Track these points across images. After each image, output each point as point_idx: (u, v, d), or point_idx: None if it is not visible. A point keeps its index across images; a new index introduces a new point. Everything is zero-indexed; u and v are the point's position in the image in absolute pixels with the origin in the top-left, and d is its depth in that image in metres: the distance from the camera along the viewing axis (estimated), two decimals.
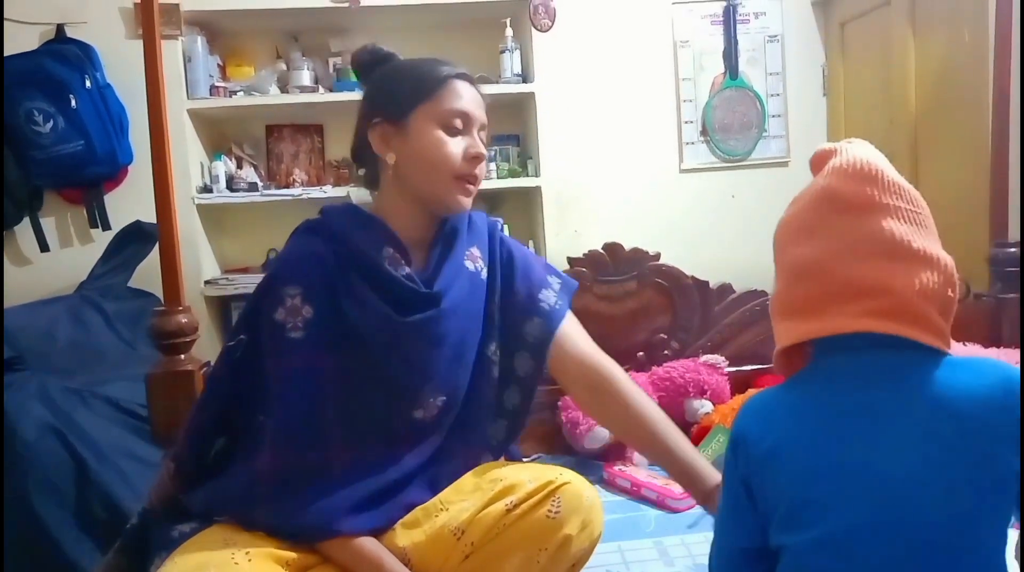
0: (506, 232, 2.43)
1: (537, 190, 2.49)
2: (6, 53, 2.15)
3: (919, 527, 0.67)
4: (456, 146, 1.07)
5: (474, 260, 1.14)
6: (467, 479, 1.14)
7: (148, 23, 1.50)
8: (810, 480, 0.71)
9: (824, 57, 2.54)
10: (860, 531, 0.68)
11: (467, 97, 1.09)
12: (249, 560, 0.95)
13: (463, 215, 1.16)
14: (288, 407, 1.03)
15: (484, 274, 1.15)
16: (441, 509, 1.10)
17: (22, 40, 2.19)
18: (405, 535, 1.07)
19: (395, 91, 1.10)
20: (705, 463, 1.13)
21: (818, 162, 0.81)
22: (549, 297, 1.17)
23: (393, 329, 1.04)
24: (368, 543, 1.02)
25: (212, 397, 1.11)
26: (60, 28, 2.21)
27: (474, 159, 1.08)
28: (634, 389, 1.17)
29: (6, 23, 2.19)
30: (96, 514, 1.73)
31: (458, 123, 1.07)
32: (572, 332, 1.18)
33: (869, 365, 0.73)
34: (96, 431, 1.79)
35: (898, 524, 0.67)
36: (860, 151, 0.77)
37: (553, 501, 1.04)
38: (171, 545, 1.02)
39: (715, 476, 1.09)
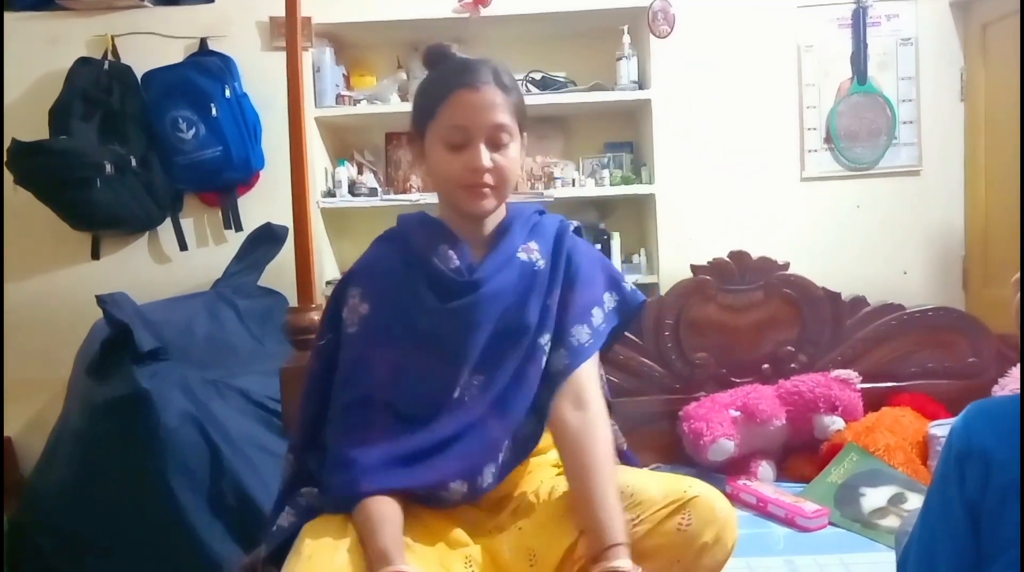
0: (617, 241, 2.47)
1: (651, 197, 2.46)
2: (156, 65, 2.31)
3: None
4: (455, 162, 1.11)
5: (529, 252, 1.18)
6: None
7: (292, 38, 1.58)
8: None
9: (963, 60, 2.40)
10: None
11: (467, 108, 1.10)
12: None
13: (527, 213, 1.22)
14: (344, 392, 1.12)
15: (541, 265, 1.17)
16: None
17: (169, 53, 2.35)
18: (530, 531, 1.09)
19: (416, 108, 1.17)
20: (615, 523, 1.01)
21: None
22: (597, 316, 1.18)
23: (436, 315, 1.12)
24: (373, 504, 1.02)
25: (313, 391, 1.20)
26: (203, 42, 2.35)
27: (473, 172, 1.10)
28: (601, 434, 1.10)
29: (156, 38, 2.36)
30: (227, 500, 1.82)
31: (457, 138, 1.11)
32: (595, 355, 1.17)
33: None
34: (229, 421, 1.88)
35: None
36: None
37: (684, 515, 1.03)
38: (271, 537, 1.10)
39: (615, 537, 0.99)
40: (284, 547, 1.05)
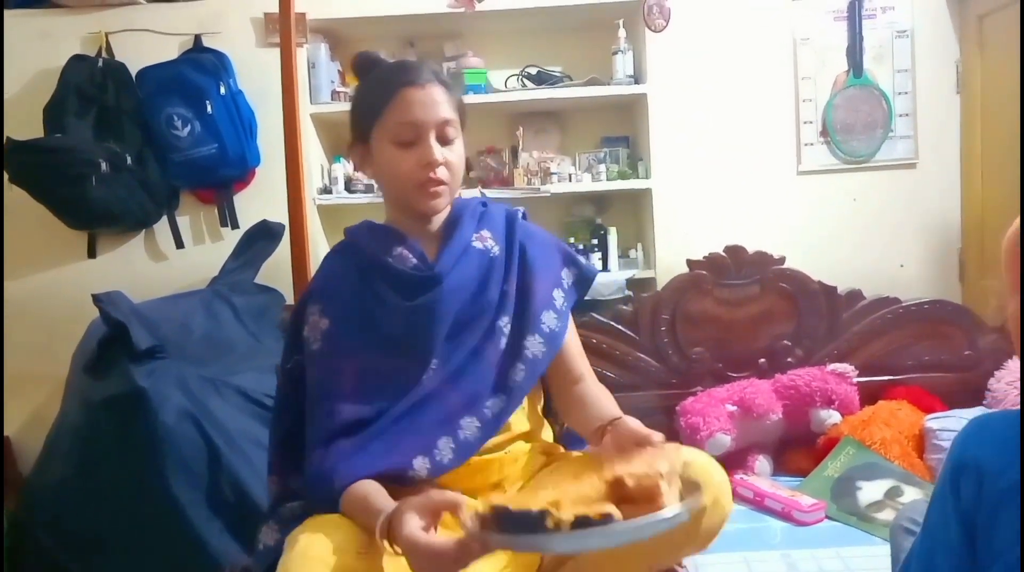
0: (614, 236, 2.47)
1: (647, 192, 2.45)
2: (150, 62, 2.30)
3: None
4: (408, 159, 1.11)
5: (483, 240, 1.20)
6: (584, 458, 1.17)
7: (286, 34, 1.58)
8: None
9: (959, 52, 2.40)
10: None
11: (415, 104, 1.11)
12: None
13: (471, 205, 1.23)
14: (316, 409, 1.12)
15: (496, 252, 1.20)
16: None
17: (163, 50, 2.34)
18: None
19: (357, 112, 1.18)
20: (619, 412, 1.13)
21: None
22: (559, 298, 1.21)
23: (402, 313, 1.13)
24: (353, 489, 1.01)
25: (283, 413, 1.21)
26: (197, 38, 2.34)
27: (427, 166, 1.11)
28: (604, 391, 1.21)
29: (149, 35, 2.35)
30: (226, 497, 1.82)
31: (408, 135, 1.11)
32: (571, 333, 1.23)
33: None
34: (227, 419, 1.88)
35: None
36: None
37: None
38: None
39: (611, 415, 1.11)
40: (272, 567, 1.04)
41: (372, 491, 1.01)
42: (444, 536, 0.89)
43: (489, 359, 1.14)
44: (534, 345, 1.16)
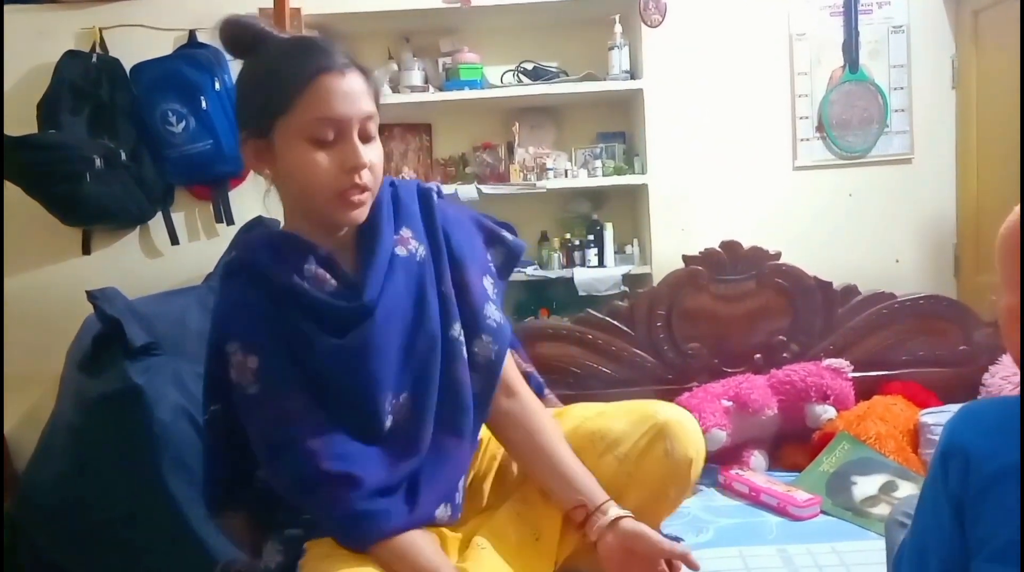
0: (610, 232, 2.47)
1: (643, 188, 2.46)
2: (145, 58, 2.29)
3: None
4: (328, 162, 0.95)
5: (405, 243, 1.05)
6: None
7: (281, 29, 1.57)
8: None
9: (954, 48, 2.40)
10: None
11: (335, 96, 0.94)
12: None
13: (383, 199, 1.06)
14: (290, 453, 0.98)
15: (421, 254, 1.05)
16: None
17: (158, 45, 2.33)
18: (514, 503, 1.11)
19: (254, 101, 0.99)
20: (594, 485, 1.06)
21: None
22: (489, 286, 1.10)
23: (335, 352, 0.98)
24: (404, 543, 0.97)
25: (214, 464, 1.11)
26: (192, 33, 2.33)
27: (352, 171, 0.96)
28: (543, 411, 1.13)
29: (144, 30, 2.34)
30: None
31: (327, 133, 0.95)
32: None
33: None
34: None
35: None
36: None
37: (665, 441, 1.07)
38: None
39: (601, 496, 1.05)
40: None
41: (417, 544, 0.97)
42: None
43: (462, 380, 1.04)
44: (483, 348, 1.06)
